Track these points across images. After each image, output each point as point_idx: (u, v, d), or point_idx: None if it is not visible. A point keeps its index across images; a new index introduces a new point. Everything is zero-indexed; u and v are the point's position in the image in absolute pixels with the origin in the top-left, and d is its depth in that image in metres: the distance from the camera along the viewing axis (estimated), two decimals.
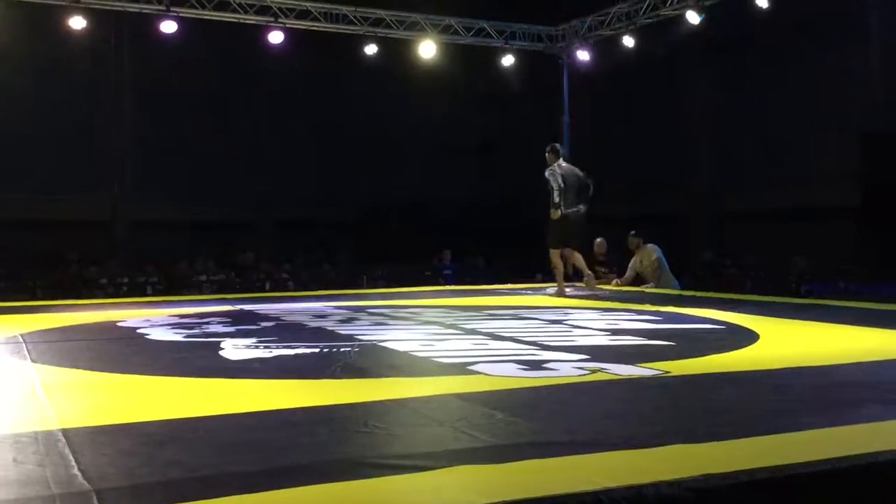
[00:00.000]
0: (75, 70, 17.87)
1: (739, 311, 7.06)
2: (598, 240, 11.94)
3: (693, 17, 13.26)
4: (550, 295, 9.64)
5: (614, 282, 11.24)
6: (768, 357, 4.78)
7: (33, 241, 18.09)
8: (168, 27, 13.05)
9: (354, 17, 14.07)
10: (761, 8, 13.07)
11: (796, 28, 15.79)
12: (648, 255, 11.00)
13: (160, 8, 12.96)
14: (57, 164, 18.05)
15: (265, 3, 13.47)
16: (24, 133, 17.60)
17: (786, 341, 5.62)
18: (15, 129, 17.47)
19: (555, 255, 9.78)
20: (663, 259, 11.00)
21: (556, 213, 9.57)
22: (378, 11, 14.22)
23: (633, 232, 11.24)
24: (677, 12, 13.56)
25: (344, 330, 6.10)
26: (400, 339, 5.57)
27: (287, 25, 13.63)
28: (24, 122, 17.56)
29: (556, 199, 9.51)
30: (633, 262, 11.20)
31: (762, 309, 7.38)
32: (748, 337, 5.58)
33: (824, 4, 15.80)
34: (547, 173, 9.69)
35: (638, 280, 11.14)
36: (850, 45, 16.03)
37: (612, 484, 2.24)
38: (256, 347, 5.17)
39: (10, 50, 16.37)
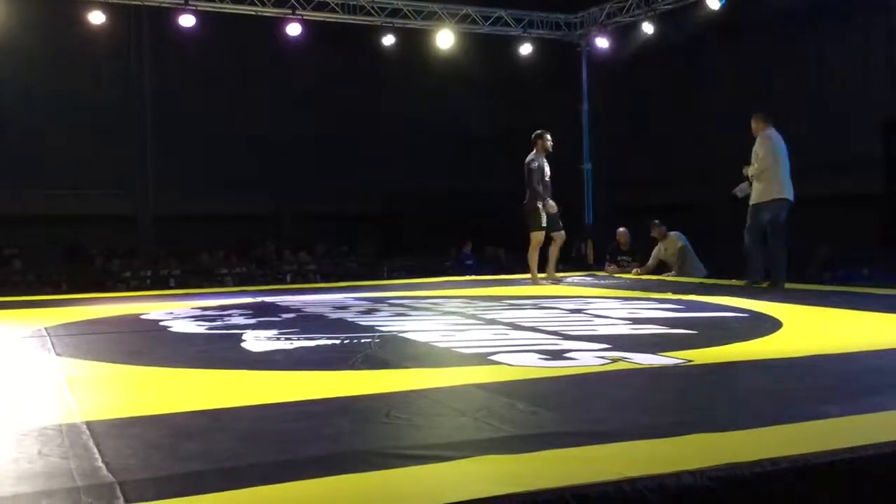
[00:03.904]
0: (95, 65, 17.98)
1: (762, 299, 7.01)
2: (621, 230, 11.93)
3: (713, 3, 13.13)
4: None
5: (634, 271, 11.21)
6: (792, 345, 4.74)
7: (57, 235, 18.26)
8: (186, 21, 13.09)
9: (372, 7, 14.04)
10: None
11: (817, 12, 15.60)
12: (673, 243, 10.94)
13: (178, 2, 13.00)
14: (79, 159, 18.17)
15: None
16: (46, 129, 17.75)
17: (809, 329, 5.58)
18: (37, 125, 17.63)
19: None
20: (689, 247, 10.93)
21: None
22: (395, 2, 14.19)
23: (656, 221, 11.20)
24: None
25: (365, 321, 6.11)
26: (421, 329, 5.58)
27: (305, 17, 13.64)
28: (45, 117, 17.70)
29: None
30: (657, 251, 11.15)
31: (785, 296, 7.32)
32: (771, 325, 5.54)
33: None
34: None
35: (661, 268, 11.10)
36: (872, 28, 15.82)
37: (635, 473, 2.23)
38: (278, 339, 5.19)
39: (31, 46, 16.51)
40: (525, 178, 9.85)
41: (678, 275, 10.64)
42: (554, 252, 10.18)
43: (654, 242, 11.23)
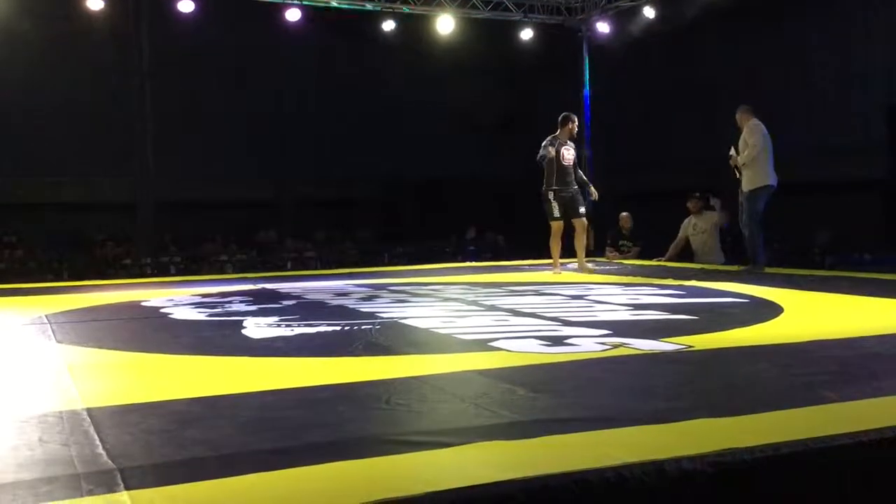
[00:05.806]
0: (95, 52, 17.96)
1: (763, 285, 7.00)
2: (624, 214, 11.86)
3: None
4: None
5: (629, 255, 11.15)
6: (792, 330, 4.74)
7: (58, 222, 18.29)
8: (185, 6, 13.04)
9: None
10: None
11: None
12: (707, 221, 10.55)
13: None
14: (80, 147, 18.18)
15: None
16: (46, 116, 17.74)
17: (810, 314, 5.58)
18: (38, 112, 17.62)
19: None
20: (718, 234, 10.61)
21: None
22: None
23: (697, 193, 10.73)
24: None
25: (365, 307, 6.11)
26: (421, 315, 5.57)
27: (304, 3, 13.57)
28: (46, 105, 17.69)
29: None
30: (686, 224, 10.75)
31: (786, 282, 7.31)
32: (772, 310, 5.54)
33: None
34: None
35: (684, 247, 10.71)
36: (876, 13, 15.74)
37: (634, 459, 2.23)
38: (278, 326, 5.19)
39: (31, 33, 16.47)
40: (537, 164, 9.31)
41: (690, 258, 10.36)
42: (578, 241, 9.48)
43: (688, 213, 10.71)
